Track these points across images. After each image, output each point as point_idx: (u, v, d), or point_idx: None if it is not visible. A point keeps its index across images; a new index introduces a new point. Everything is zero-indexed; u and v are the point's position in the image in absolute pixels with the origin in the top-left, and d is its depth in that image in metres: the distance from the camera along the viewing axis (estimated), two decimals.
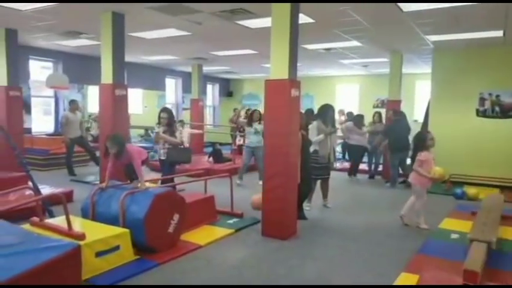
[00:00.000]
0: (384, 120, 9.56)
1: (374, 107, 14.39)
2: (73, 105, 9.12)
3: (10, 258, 2.90)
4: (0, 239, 3.38)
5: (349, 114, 11.20)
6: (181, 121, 10.88)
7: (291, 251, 4.52)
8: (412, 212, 5.53)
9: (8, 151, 7.08)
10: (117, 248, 3.84)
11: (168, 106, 16.24)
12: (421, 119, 10.32)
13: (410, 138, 6.79)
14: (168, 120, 6.29)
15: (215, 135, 14.94)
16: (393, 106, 9.47)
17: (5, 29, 8.05)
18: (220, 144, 11.38)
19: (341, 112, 11.52)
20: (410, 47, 9.02)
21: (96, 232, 3.83)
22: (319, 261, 4.24)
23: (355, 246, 4.73)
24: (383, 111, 10.09)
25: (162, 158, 6.34)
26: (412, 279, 3.65)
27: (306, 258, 4.29)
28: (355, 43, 8.68)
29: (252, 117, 8.08)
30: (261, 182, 7.25)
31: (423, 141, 5.44)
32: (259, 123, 7.77)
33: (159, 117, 6.37)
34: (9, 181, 6.01)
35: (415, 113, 13.49)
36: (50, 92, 11.67)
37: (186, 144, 9.51)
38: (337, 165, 10.08)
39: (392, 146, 8.31)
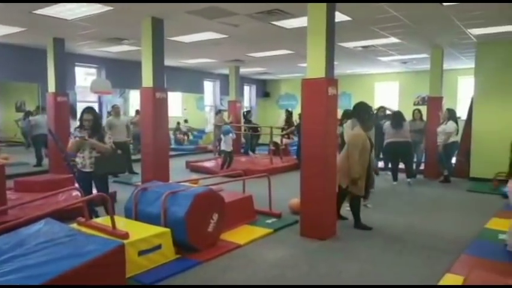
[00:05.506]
0: (424, 118, 9.30)
1: (414, 104, 13.97)
2: (114, 109, 9.31)
3: (60, 255, 3.06)
4: (51, 237, 3.58)
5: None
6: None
7: (331, 251, 4.49)
8: None
9: (57, 154, 7.47)
10: (158, 247, 3.95)
11: (208, 108, 16.45)
12: (464, 116, 9.93)
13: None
14: (94, 123, 5.09)
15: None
16: (434, 103, 9.30)
17: (53, 38, 8.50)
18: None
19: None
20: (451, 42, 8.72)
21: (138, 231, 3.96)
22: (360, 261, 4.18)
23: (397, 246, 4.62)
24: (424, 108, 9.77)
25: (88, 170, 5.04)
26: (457, 280, 3.53)
27: (346, 258, 4.25)
28: (393, 40, 8.48)
29: None
30: None
31: None
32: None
33: (81, 120, 5.11)
34: (58, 182, 6.33)
35: (458, 110, 12.96)
36: (94, 97, 12.20)
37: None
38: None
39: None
